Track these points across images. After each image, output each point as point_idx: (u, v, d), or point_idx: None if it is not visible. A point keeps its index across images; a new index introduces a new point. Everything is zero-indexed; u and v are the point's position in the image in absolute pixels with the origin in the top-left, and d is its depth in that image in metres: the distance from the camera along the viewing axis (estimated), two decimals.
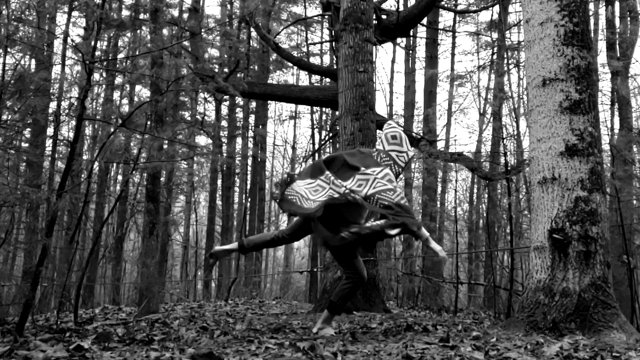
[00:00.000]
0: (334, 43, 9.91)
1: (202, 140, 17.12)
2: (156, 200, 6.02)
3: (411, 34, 11.66)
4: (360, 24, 6.30)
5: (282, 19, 14.93)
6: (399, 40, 12.44)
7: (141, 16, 11.40)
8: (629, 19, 10.63)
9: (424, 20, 12.06)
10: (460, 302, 10.31)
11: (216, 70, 12.05)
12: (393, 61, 17.52)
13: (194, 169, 15.63)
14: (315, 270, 11.26)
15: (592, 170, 3.67)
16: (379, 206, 3.39)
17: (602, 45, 12.06)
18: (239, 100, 14.71)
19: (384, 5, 9.86)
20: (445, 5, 12.97)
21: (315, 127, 15.43)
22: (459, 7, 14.26)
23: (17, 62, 6.56)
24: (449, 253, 9.13)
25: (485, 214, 13.53)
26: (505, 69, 12.90)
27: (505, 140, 12.35)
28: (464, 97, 26.17)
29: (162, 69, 5.94)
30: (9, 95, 4.97)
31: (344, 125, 6.12)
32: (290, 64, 14.44)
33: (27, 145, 11.17)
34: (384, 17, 8.31)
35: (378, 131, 6.23)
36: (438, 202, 14.46)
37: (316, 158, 10.55)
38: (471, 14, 14.94)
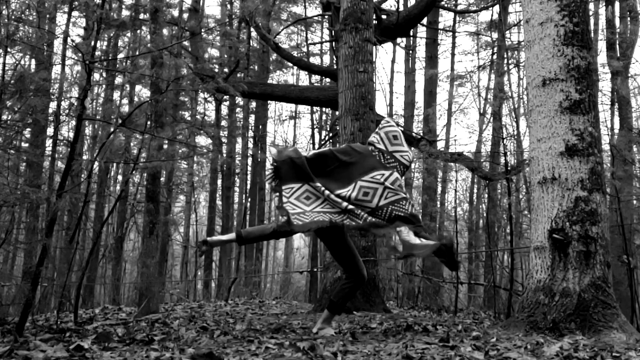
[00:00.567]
0: (334, 43, 9.92)
1: (202, 140, 17.14)
2: (156, 200, 6.02)
3: (411, 34, 11.67)
4: (360, 24, 6.30)
5: (282, 19, 14.94)
6: (399, 40, 12.46)
7: (141, 16, 11.42)
8: (629, 19, 10.63)
9: (424, 20, 12.07)
10: (460, 302, 10.30)
11: (216, 70, 12.06)
12: (393, 61, 17.55)
13: (194, 169, 15.65)
14: (315, 270, 11.26)
15: (592, 170, 3.67)
16: (392, 217, 3.30)
17: (602, 45, 12.08)
18: (239, 100, 14.72)
19: (384, 5, 9.87)
20: (445, 5, 12.98)
21: (315, 127, 15.44)
22: (459, 7, 14.27)
23: (17, 62, 6.56)
24: None
25: (485, 214, 13.53)
26: (505, 69, 12.91)
27: (505, 140, 12.34)
28: (464, 97, 26.20)
29: (162, 69, 5.94)
30: (9, 95, 4.97)
31: (344, 125, 6.12)
32: (290, 64, 14.44)
33: (27, 145, 11.17)
34: (384, 17, 8.31)
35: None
36: (438, 202, 14.46)
37: None
38: (471, 14, 14.95)
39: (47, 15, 9.41)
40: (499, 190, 12.88)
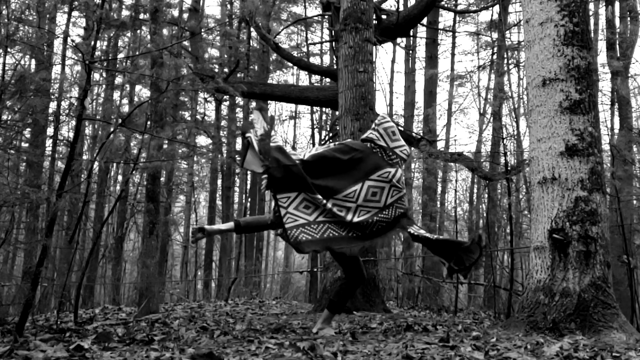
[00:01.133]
0: (334, 43, 9.91)
1: (202, 140, 17.13)
2: (156, 200, 6.01)
3: (411, 34, 11.66)
4: (360, 24, 6.30)
5: (282, 19, 14.95)
6: (399, 40, 12.44)
7: (141, 16, 11.41)
8: (629, 19, 10.63)
9: (424, 20, 12.06)
10: (460, 302, 10.30)
11: (216, 70, 12.06)
12: (393, 61, 17.54)
13: (194, 169, 15.65)
14: (315, 270, 11.26)
15: (592, 170, 3.67)
16: (397, 215, 3.43)
17: (602, 45, 12.08)
18: (239, 100, 14.72)
19: (384, 5, 9.87)
20: (445, 5, 12.98)
21: (315, 127, 15.44)
22: (459, 7, 14.27)
23: (17, 62, 6.56)
24: None
25: (485, 214, 13.53)
26: (505, 69, 12.91)
27: (505, 140, 12.35)
28: (464, 97, 26.21)
29: (162, 69, 5.94)
30: (9, 95, 4.97)
31: (344, 125, 6.12)
32: (290, 64, 14.43)
33: (27, 145, 11.16)
34: (384, 17, 8.31)
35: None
36: (438, 202, 14.45)
37: None
38: (471, 14, 14.95)
39: (47, 15, 9.41)
40: (499, 190, 12.88)
